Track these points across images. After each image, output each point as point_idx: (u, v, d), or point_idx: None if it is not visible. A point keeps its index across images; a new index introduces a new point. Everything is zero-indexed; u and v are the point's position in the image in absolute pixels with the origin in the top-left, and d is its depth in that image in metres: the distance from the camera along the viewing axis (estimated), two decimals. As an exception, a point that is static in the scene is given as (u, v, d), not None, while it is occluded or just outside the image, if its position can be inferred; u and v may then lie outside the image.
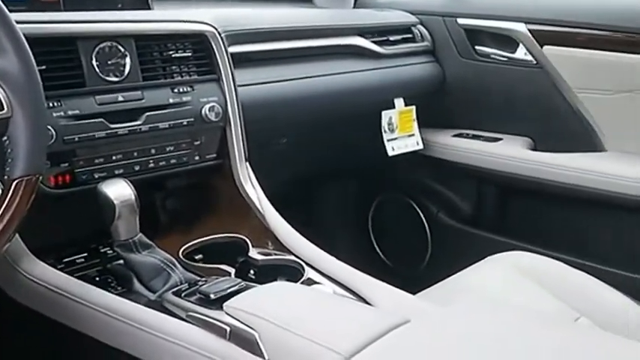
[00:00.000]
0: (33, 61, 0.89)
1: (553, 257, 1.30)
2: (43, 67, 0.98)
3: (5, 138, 0.86)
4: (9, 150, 0.86)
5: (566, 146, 1.77)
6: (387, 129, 1.87)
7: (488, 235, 1.92)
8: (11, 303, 1.10)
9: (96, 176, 1.16)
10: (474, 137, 1.92)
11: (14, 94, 0.86)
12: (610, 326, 1.10)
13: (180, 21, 1.32)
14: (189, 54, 1.30)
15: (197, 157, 1.30)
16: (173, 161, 1.27)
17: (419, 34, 1.94)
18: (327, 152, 1.90)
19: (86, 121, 1.13)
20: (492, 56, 1.87)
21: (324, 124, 1.75)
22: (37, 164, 0.88)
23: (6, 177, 0.87)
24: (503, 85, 1.87)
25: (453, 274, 1.28)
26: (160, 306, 1.02)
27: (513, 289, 1.22)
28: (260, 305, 0.90)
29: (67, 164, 1.13)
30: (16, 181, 0.86)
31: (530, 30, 1.77)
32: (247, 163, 1.35)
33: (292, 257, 1.19)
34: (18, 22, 0.89)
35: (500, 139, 1.89)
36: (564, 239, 1.78)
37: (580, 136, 1.77)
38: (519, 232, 1.85)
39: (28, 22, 1.07)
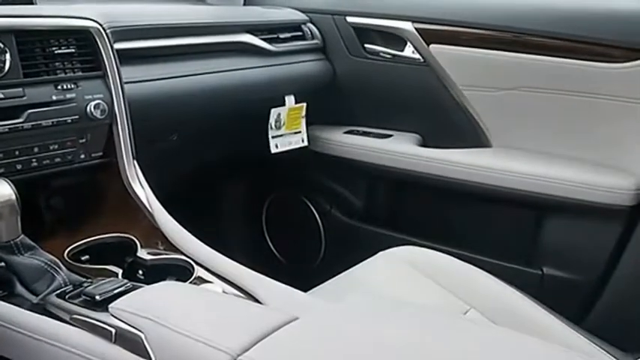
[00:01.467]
0: None
1: (443, 251, 1.34)
2: None
3: None
4: None
5: (453, 142, 1.83)
6: (273, 126, 1.87)
7: (380, 231, 1.96)
8: None
9: None
10: (365, 134, 1.96)
11: None
12: (499, 318, 1.15)
13: (64, 17, 1.28)
14: (73, 50, 1.27)
15: (83, 156, 1.28)
16: (58, 160, 1.23)
17: (309, 32, 1.96)
18: (218, 149, 1.90)
19: (-38, 118, 1.09)
20: (381, 54, 1.91)
21: (215, 121, 1.74)
22: None
23: None
24: (393, 83, 1.91)
25: (346, 271, 1.31)
26: (42, 309, 1.00)
27: (404, 283, 1.26)
28: (146, 306, 0.89)
29: None
30: None
31: (417, 29, 1.81)
32: (135, 162, 1.33)
33: (181, 256, 1.18)
34: None
35: (391, 135, 1.93)
36: (454, 233, 1.84)
37: (467, 133, 1.83)
38: (411, 227, 1.89)
39: None
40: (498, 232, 1.80)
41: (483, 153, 1.78)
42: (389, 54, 1.90)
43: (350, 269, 1.32)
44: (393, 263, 1.32)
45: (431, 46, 1.80)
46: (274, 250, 2.24)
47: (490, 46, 1.72)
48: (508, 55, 1.70)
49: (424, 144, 1.90)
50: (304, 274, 1.80)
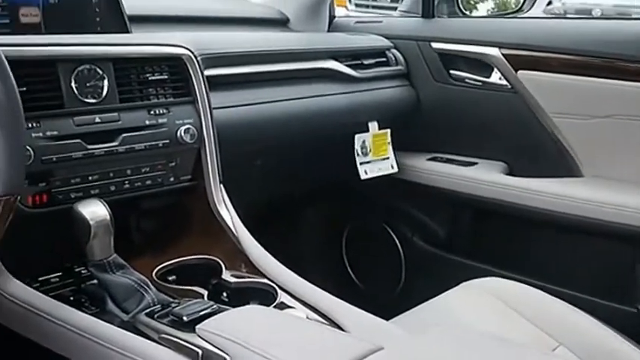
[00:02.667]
0: (13, 82, 0.90)
1: (529, 284, 1.30)
2: (24, 88, 0.98)
3: None
4: None
5: (542, 171, 1.78)
6: (360, 152, 1.88)
7: (462, 260, 1.93)
8: None
9: (72, 196, 1.16)
10: (449, 161, 1.94)
11: None
12: (589, 356, 1.10)
13: (158, 44, 1.33)
14: (166, 76, 1.31)
15: (172, 179, 1.31)
16: (148, 182, 1.27)
17: (393, 58, 1.97)
18: (300, 175, 1.91)
19: (64, 141, 1.14)
20: (467, 80, 1.89)
21: (298, 146, 1.76)
22: (15, 184, 0.89)
23: None
24: (478, 110, 1.89)
25: (427, 300, 1.29)
26: (132, 327, 1.02)
27: (489, 316, 1.23)
28: (233, 328, 0.90)
29: (44, 184, 1.13)
30: None
31: (504, 54, 1.79)
32: (221, 185, 1.35)
33: (265, 280, 1.19)
34: (0, 45, 0.90)
35: (476, 163, 1.90)
36: (540, 265, 1.78)
37: (556, 162, 1.78)
38: (495, 258, 1.85)
39: (10, 44, 1.08)
40: (588, 265, 1.73)
41: (574, 183, 1.73)
42: (475, 80, 1.88)
43: (432, 299, 1.30)
44: (477, 294, 1.29)
45: (519, 72, 1.77)
46: (353, 277, 2.23)
47: (581, 72, 1.68)
48: (600, 81, 1.66)
49: (511, 172, 1.86)
50: (384, 301, 1.79)
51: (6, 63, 0.90)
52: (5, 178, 0.87)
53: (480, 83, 1.87)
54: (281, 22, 2.04)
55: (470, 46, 1.87)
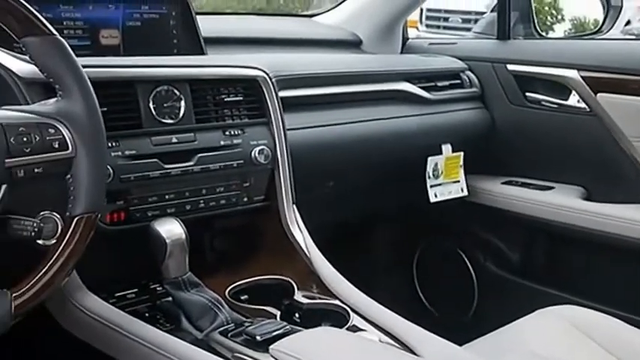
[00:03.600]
0: (97, 103, 0.93)
1: (606, 312, 1.27)
2: (104, 108, 1.01)
3: (69, 176, 0.89)
4: (71, 188, 0.89)
5: (621, 197, 1.73)
6: (431, 175, 1.86)
7: (537, 287, 1.89)
8: (63, 334, 1.13)
9: (149, 214, 1.18)
10: (524, 185, 1.90)
11: (78, 135, 0.90)
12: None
13: (233, 66, 1.35)
14: (241, 98, 1.33)
15: (245, 199, 1.32)
16: (223, 202, 1.28)
17: (467, 80, 1.95)
18: (372, 196, 1.90)
19: (142, 160, 1.16)
20: (543, 103, 1.86)
21: (370, 168, 1.75)
22: (97, 203, 0.91)
23: (67, 214, 0.89)
24: (555, 133, 1.85)
25: (500, 326, 1.26)
26: (206, 345, 1.03)
27: (566, 345, 1.20)
28: (306, 350, 0.90)
29: (122, 202, 1.15)
30: (76, 218, 0.89)
31: (583, 77, 1.75)
32: (294, 206, 1.36)
33: (337, 302, 1.19)
34: (83, 67, 0.93)
35: (552, 187, 1.86)
36: (618, 294, 1.72)
37: (636, 187, 1.73)
38: (570, 285, 1.80)
39: (92, 66, 1.11)
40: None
41: (655, 210, 1.67)
42: (552, 103, 1.84)
43: (507, 326, 1.27)
44: (553, 322, 1.26)
45: (598, 95, 1.73)
46: (424, 300, 2.20)
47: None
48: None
49: (589, 197, 1.82)
50: (455, 326, 1.76)
51: (90, 84, 0.93)
52: (88, 196, 0.90)
53: (556, 106, 1.83)
54: (354, 44, 2.04)
55: (547, 68, 1.83)
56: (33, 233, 0.89)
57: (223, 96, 1.31)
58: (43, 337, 1.23)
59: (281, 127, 1.35)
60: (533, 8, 2.05)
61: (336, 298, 1.20)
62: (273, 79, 1.37)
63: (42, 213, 0.92)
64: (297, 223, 1.34)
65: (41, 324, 1.09)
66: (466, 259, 2.07)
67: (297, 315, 1.19)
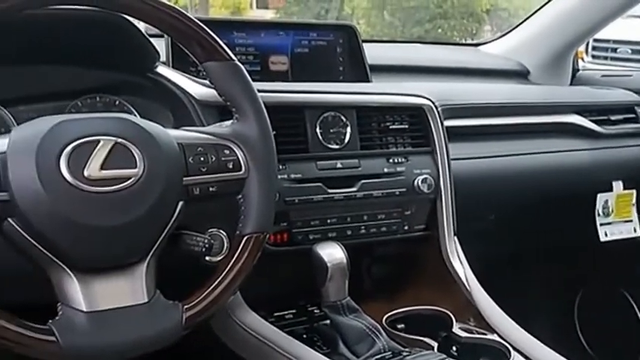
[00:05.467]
0: (270, 127, 0.96)
1: None
2: (274, 132, 1.06)
3: (240, 197, 0.93)
4: (242, 208, 0.93)
5: None
6: (601, 212, 1.77)
7: None
8: (223, 348, 1.17)
9: (310, 237, 1.20)
10: (702, 229, 1.76)
11: (252, 157, 0.93)
12: None
13: (399, 94, 1.35)
14: (406, 126, 1.33)
15: (406, 227, 1.31)
16: (383, 229, 1.28)
17: (643, 115, 1.84)
18: (533, 231, 1.83)
19: (306, 184, 1.19)
20: None
21: (534, 202, 1.69)
22: (266, 223, 0.94)
23: (237, 232, 0.93)
24: None
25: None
26: (362, 371, 1.03)
27: None
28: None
29: (285, 224, 1.18)
30: (246, 237, 0.92)
31: None
32: (455, 237, 1.34)
33: (497, 338, 1.15)
34: (259, 91, 0.97)
35: None
36: None
37: None
38: None
39: (264, 90, 1.14)
40: None
41: None
42: None
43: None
44: None
45: None
46: (584, 343, 2.08)
47: None
48: None
49: None
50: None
51: (264, 108, 0.96)
52: (259, 216, 0.93)
53: None
54: (521, 75, 1.99)
55: None
56: (204, 249, 0.92)
57: (388, 123, 1.32)
58: (202, 352, 1.28)
59: (445, 156, 1.34)
60: None
61: (495, 332, 1.16)
62: (439, 108, 1.36)
63: (210, 230, 0.96)
64: (458, 254, 1.32)
65: (201, 338, 1.12)
66: (633, 304, 1.94)
67: (454, 348, 1.17)
